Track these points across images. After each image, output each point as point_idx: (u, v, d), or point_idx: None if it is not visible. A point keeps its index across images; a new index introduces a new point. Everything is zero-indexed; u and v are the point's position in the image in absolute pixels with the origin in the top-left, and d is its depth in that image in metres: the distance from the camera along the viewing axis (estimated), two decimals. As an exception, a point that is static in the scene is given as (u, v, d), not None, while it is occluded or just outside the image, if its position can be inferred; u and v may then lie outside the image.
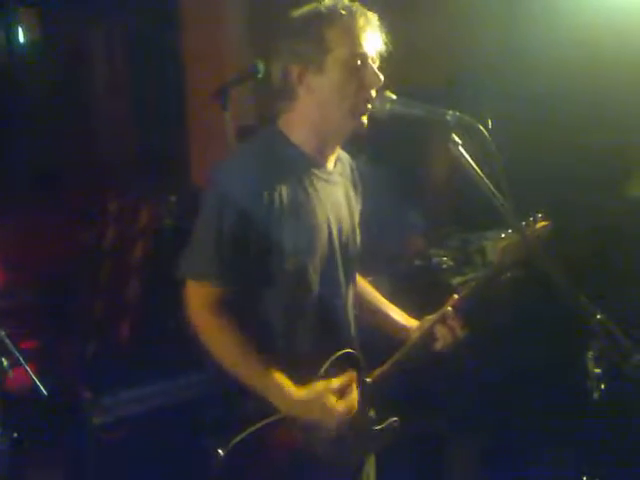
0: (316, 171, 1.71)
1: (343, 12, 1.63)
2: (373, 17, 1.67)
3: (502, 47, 3.21)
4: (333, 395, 1.66)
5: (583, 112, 2.95)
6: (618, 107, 2.93)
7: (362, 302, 1.92)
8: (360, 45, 1.64)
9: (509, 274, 1.83)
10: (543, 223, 1.76)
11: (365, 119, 1.68)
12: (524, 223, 1.70)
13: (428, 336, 1.80)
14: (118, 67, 4.17)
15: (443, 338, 1.78)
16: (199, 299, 1.63)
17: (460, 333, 1.77)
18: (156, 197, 3.31)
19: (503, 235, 1.74)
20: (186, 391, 2.73)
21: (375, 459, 1.88)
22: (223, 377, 1.65)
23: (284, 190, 1.63)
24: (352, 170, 1.86)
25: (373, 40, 1.66)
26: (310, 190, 1.68)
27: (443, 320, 1.78)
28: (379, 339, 1.90)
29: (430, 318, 1.83)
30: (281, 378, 1.63)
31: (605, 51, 2.92)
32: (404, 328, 1.89)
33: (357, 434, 1.71)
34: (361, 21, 1.64)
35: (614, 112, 2.93)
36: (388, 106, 1.65)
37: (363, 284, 1.96)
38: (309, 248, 1.67)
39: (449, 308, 1.78)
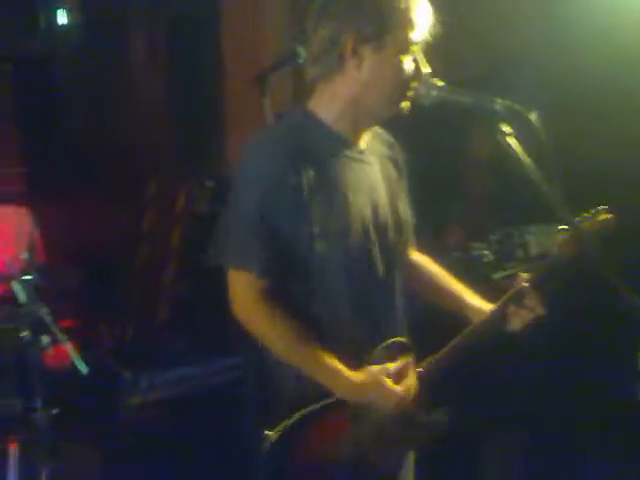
0: (348, 151, 1.67)
1: None
2: (428, 4, 1.65)
3: (545, 36, 3.15)
4: (389, 378, 1.63)
5: (628, 103, 2.88)
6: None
7: (425, 283, 1.87)
8: (417, 32, 1.61)
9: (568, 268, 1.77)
10: (604, 217, 1.71)
11: (405, 105, 1.65)
12: (583, 216, 1.66)
13: (499, 316, 1.74)
14: (158, 51, 4.18)
15: (519, 317, 1.72)
16: (243, 288, 1.61)
17: (539, 310, 1.71)
18: (193, 182, 3.33)
19: (559, 228, 1.69)
20: (222, 374, 2.74)
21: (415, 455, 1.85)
22: (267, 361, 1.65)
23: (314, 172, 1.60)
24: (392, 148, 1.81)
25: (427, 28, 1.63)
26: (340, 171, 1.65)
27: (518, 298, 1.72)
28: (432, 325, 1.86)
29: (504, 297, 1.74)
30: (335, 362, 1.61)
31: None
32: (475, 309, 1.81)
33: (407, 424, 1.69)
34: (421, 8, 1.62)
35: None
36: (435, 93, 1.62)
37: (428, 264, 1.90)
38: (340, 230, 1.63)
39: (525, 284, 1.71)
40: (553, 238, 1.71)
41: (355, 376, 1.61)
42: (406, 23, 1.60)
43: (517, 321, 1.73)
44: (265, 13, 3.78)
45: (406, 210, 1.79)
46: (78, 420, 2.62)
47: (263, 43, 3.68)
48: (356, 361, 1.64)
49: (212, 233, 1.71)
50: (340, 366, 1.61)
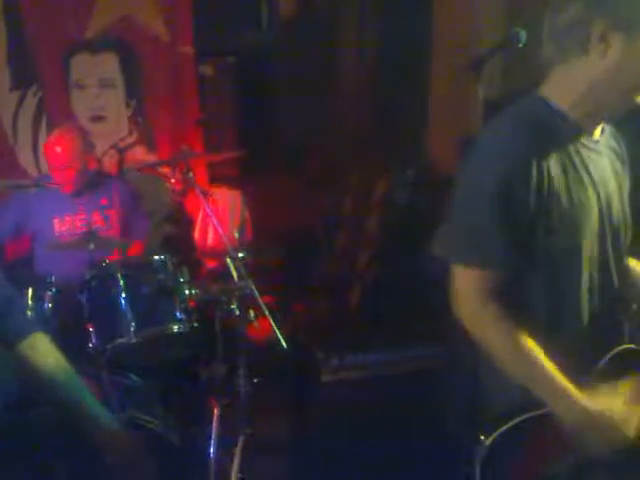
0: (584, 141, 1.57)
1: None
2: None
3: None
4: (625, 415, 1.51)
5: None
6: None
7: (636, 287, 1.72)
8: None
9: None
10: None
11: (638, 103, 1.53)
12: None
13: None
14: (366, 34, 4.20)
15: None
16: (470, 287, 1.54)
17: None
18: (395, 171, 3.34)
19: None
20: (412, 363, 2.72)
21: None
22: (478, 358, 1.59)
23: (551, 162, 1.51)
24: (618, 142, 1.70)
25: None
26: (578, 161, 1.55)
27: None
28: None
29: None
30: (567, 384, 1.50)
31: None
32: None
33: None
34: None
35: None
36: None
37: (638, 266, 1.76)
38: (578, 224, 1.53)
39: None
40: None
41: (587, 405, 1.49)
42: None
43: None
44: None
45: (629, 209, 1.66)
46: (275, 391, 2.75)
47: (474, 31, 3.57)
48: (582, 370, 1.53)
49: (410, 222, 1.68)
50: (572, 389, 1.49)
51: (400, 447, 2.46)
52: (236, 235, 3.05)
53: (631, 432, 1.51)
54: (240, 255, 2.60)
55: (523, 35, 2.22)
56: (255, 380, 2.48)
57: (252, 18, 4.31)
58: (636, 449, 1.53)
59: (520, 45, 2.24)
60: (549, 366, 1.50)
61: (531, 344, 1.50)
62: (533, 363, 1.50)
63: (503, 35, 2.33)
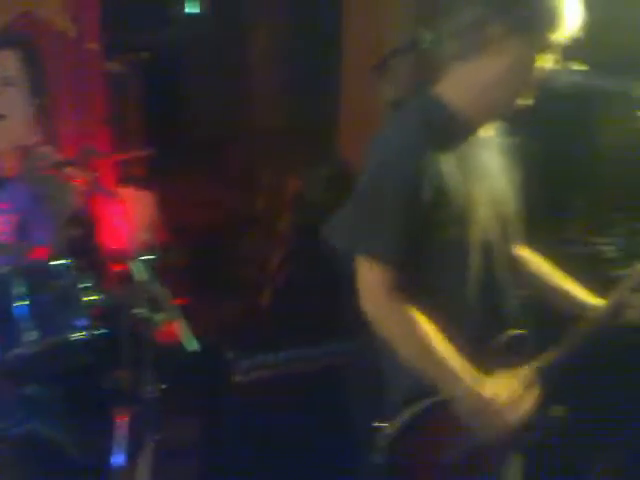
0: (474, 139, 1.64)
1: None
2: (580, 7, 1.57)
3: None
4: (513, 409, 1.58)
5: None
6: None
7: (531, 276, 1.82)
8: (563, 32, 1.55)
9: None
10: None
11: (524, 102, 1.61)
12: None
13: (618, 308, 1.66)
14: (280, 36, 4.22)
15: (637, 308, 1.65)
16: (375, 279, 1.57)
17: None
18: (305, 169, 3.35)
19: None
20: (324, 359, 2.73)
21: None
22: (381, 350, 1.62)
23: (446, 158, 1.57)
24: (508, 140, 1.77)
25: (573, 27, 1.56)
26: (469, 158, 1.62)
27: (636, 287, 1.65)
28: (547, 317, 1.78)
29: (619, 288, 1.68)
30: (463, 370, 1.56)
31: None
32: (583, 303, 1.75)
33: (523, 426, 1.62)
34: (573, 11, 1.55)
35: None
36: (572, 78, 1.55)
37: (533, 257, 1.85)
38: (468, 218, 1.60)
39: None
40: None
41: (481, 391, 1.55)
42: (556, 24, 1.54)
43: (635, 312, 1.65)
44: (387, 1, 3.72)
45: (518, 202, 1.74)
46: (184, 395, 2.70)
47: (385, 27, 3.62)
48: (477, 353, 1.59)
49: (321, 219, 1.69)
50: (468, 377, 1.55)
51: (312, 442, 2.48)
52: (144, 237, 2.97)
53: (519, 418, 1.58)
54: (148, 257, 2.54)
55: (427, 37, 2.28)
56: (163, 386, 2.43)
57: (162, 15, 4.24)
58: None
59: (424, 46, 2.30)
60: (446, 353, 1.55)
61: (430, 332, 1.55)
62: (431, 351, 1.55)
63: (409, 36, 2.39)
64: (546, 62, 1.57)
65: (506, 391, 1.57)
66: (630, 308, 1.67)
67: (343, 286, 1.65)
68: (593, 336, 1.67)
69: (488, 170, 1.66)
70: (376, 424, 1.58)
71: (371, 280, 1.58)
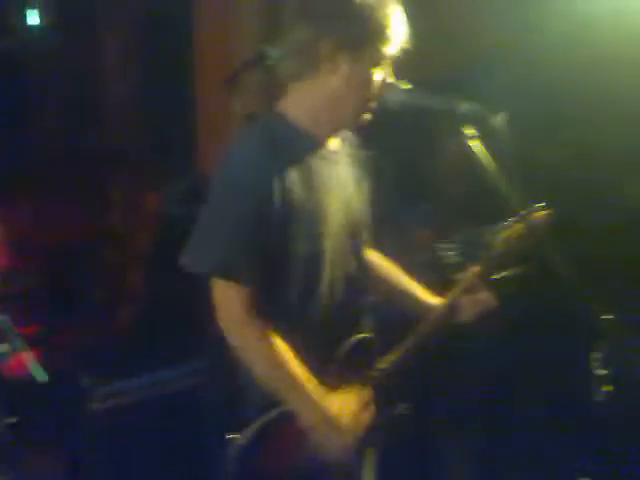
0: (321, 152, 1.67)
1: (390, 7, 1.60)
2: (402, 13, 1.64)
3: (516, 39, 3.16)
4: (356, 426, 1.64)
5: (595, 109, 2.91)
6: (631, 105, 2.88)
7: (379, 280, 1.89)
8: (392, 45, 1.61)
9: (515, 269, 1.81)
10: (543, 212, 1.73)
11: (367, 117, 1.67)
12: (524, 212, 1.67)
13: (452, 310, 1.77)
14: (129, 50, 4.13)
15: (471, 308, 1.76)
16: (229, 298, 1.57)
17: (491, 303, 1.77)
18: (162, 183, 3.29)
19: (505, 224, 1.73)
20: (187, 379, 2.70)
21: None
22: (234, 364, 1.63)
23: (292, 173, 1.60)
24: (357, 151, 1.83)
25: (401, 41, 1.63)
26: (316, 172, 1.65)
27: (469, 291, 1.77)
28: (395, 321, 1.87)
29: (454, 290, 1.80)
30: (310, 386, 1.59)
31: (619, 47, 2.87)
32: (426, 305, 1.85)
33: (369, 428, 1.69)
34: (397, 20, 1.61)
35: (627, 110, 2.88)
36: (400, 97, 1.62)
37: (381, 261, 1.93)
38: (319, 231, 1.64)
39: (474, 274, 1.77)
40: (500, 236, 1.75)
41: (326, 408, 1.60)
42: (384, 37, 1.60)
43: (469, 313, 1.78)
44: (238, 13, 3.75)
45: (368, 211, 1.81)
46: (38, 428, 2.56)
47: (235, 44, 3.64)
48: (327, 358, 1.64)
49: (183, 235, 1.67)
50: (315, 393, 1.59)
51: (175, 465, 2.44)
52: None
53: (357, 435, 1.65)
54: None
55: (271, 52, 2.32)
56: (13, 420, 2.28)
57: (2, 25, 4.02)
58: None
59: (269, 62, 2.33)
60: (296, 370, 1.58)
61: (281, 351, 1.58)
62: (279, 369, 1.58)
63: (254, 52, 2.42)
64: (382, 76, 1.63)
65: (347, 409, 1.63)
66: (462, 309, 1.79)
67: (200, 303, 1.64)
68: (431, 335, 1.78)
69: (339, 182, 1.70)
70: (230, 436, 1.59)
71: (223, 297, 1.58)
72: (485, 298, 1.78)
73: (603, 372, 1.56)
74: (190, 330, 1.81)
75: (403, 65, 1.66)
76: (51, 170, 3.67)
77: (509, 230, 1.76)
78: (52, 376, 2.23)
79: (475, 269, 1.79)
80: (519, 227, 1.72)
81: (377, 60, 1.60)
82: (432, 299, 1.87)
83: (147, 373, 2.62)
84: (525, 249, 1.74)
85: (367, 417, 1.67)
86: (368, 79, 1.61)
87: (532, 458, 2.69)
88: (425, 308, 1.85)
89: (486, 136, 1.56)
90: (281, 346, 1.58)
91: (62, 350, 2.82)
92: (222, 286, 1.57)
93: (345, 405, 1.64)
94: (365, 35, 1.57)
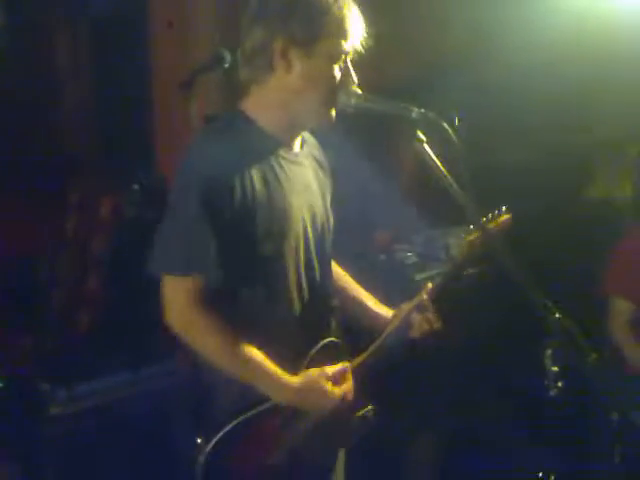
0: (283, 153, 1.68)
1: (340, 2, 1.61)
2: (360, 14, 1.66)
3: (475, 42, 3.22)
4: (328, 381, 1.65)
5: (549, 110, 2.98)
6: (587, 106, 2.96)
7: (338, 290, 1.91)
8: (347, 40, 1.62)
9: (471, 269, 1.86)
10: (505, 217, 1.78)
11: (333, 113, 1.67)
12: (486, 217, 1.72)
13: (405, 324, 1.81)
14: (82, 53, 4.08)
15: (420, 326, 1.79)
16: (179, 296, 1.58)
17: (436, 324, 1.79)
18: (119, 186, 3.25)
19: (466, 230, 1.76)
20: (146, 383, 2.69)
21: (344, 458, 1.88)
22: (199, 367, 1.64)
23: (252, 173, 1.60)
24: (319, 152, 1.84)
25: (359, 38, 1.64)
26: (279, 172, 1.65)
27: (420, 309, 1.79)
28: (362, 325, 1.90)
29: (407, 306, 1.83)
30: (274, 367, 1.60)
31: (580, 45, 2.95)
32: (380, 316, 1.88)
33: (339, 424, 1.71)
34: (352, 15, 1.63)
35: (583, 110, 2.96)
36: (353, 101, 1.65)
37: (338, 271, 1.95)
38: (282, 231, 1.64)
39: (425, 296, 1.79)
40: (460, 241, 1.78)
41: (295, 381, 1.62)
42: (338, 31, 1.61)
43: (417, 330, 1.81)
44: (195, 14, 3.73)
45: (331, 215, 1.83)
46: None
47: (192, 46, 3.63)
48: (295, 362, 1.66)
49: (138, 239, 1.67)
50: (279, 371, 1.61)
51: (138, 470, 2.42)
52: None
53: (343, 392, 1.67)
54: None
55: (227, 56, 2.33)
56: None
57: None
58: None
59: (225, 65, 2.34)
60: (258, 356, 1.60)
61: (239, 343, 1.59)
62: (244, 360, 1.59)
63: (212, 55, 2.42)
64: (344, 72, 1.64)
65: (319, 372, 1.66)
66: (415, 326, 1.82)
67: (158, 305, 1.64)
68: (390, 345, 1.82)
69: (301, 184, 1.71)
70: (198, 440, 1.60)
71: (175, 295, 1.59)
72: (431, 319, 1.80)
73: (555, 369, 1.61)
74: (153, 333, 1.81)
75: (363, 70, 1.69)
76: (3, 175, 3.59)
77: (470, 237, 1.79)
78: (9, 381, 2.20)
79: (429, 287, 1.82)
80: (477, 236, 1.75)
81: (332, 55, 1.61)
82: (386, 312, 1.90)
83: (108, 376, 2.60)
84: (483, 255, 1.78)
85: (346, 382, 1.70)
86: (325, 75, 1.61)
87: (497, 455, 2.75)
88: (377, 319, 1.89)
89: (439, 140, 1.59)
90: (230, 333, 1.59)
91: (19, 355, 2.78)
92: (169, 281, 1.59)
93: (314, 374, 1.66)
94: (315, 31, 1.58)
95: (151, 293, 1.65)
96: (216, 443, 1.59)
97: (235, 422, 1.60)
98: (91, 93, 4.03)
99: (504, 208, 1.79)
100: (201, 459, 1.59)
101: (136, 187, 3.23)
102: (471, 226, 1.75)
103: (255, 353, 1.59)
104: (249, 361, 1.58)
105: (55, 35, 4.02)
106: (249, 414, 1.61)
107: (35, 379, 2.55)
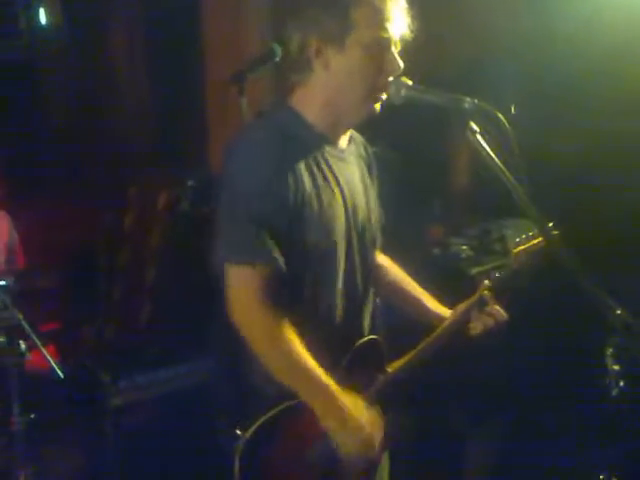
0: (330, 149, 1.67)
1: None
2: (402, 2, 1.63)
3: (527, 30, 3.14)
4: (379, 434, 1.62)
5: (608, 95, 2.88)
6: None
7: (390, 286, 1.89)
8: (385, 29, 1.59)
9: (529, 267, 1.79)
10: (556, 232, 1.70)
11: (378, 106, 1.65)
12: (538, 231, 1.65)
13: (462, 322, 1.76)
14: (138, 52, 4.16)
15: (482, 323, 1.74)
16: (244, 287, 1.56)
17: (502, 317, 1.74)
18: (174, 182, 3.31)
19: (518, 239, 1.71)
20: (204, 374, 2.72)
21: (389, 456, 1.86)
22: (240, 358, 1.63)
23: (302, 168, 1.60)
24: (366, 151, 1.83)
25: (399, 24, 1.61)
26: (325, 169, 1.65)
27: (480, 305, 1.75)
28: (404, 324, 1.87)
29: (464, 304, 1.78)
30: (330, 386, 1.57)
31: (630, 33, 2.85)
32: (435, 314, 1.85)
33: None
34: (390, 3, 1.60)
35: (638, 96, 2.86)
36: (403, 92, 1.62)
37: (392, 267, 1.92)
38: (331, 227, 1.63)
39: (486, 292, 1.75)
40: (513, 248, 1.72)
41: (353, 421, 1.58)
42: (372, 22, 1.58)
43: (479, 326, 1.76)
44: (247, 13, 3.76)
45: (378, 212, 1.81)
46: (58, 424, 2.60)
47: (245, 40, 3.66)
48: (334, 358, 1.63)
49: (193, 232, 1.68)
50: (341, 399, 1.57)
51: (196, 461, 2.46)
52: (2, 261, 2.82)
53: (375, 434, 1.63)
54: (3, 283, 2.41)
55: (278, 50, 2.33)
56: (32, 416, 2.32)
57: (10, 26, 4.06)
58: None
59: (276, 59, 2.35)
60: (312, 366, 1.56)
61: (297, 343, 1.57)
62: (296, 362, 1.57)
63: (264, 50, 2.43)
64: (388, 62, 1.61)
65: (361, 409, 1.61)
66: (475, 323, 1.76)
67: (215, 299, 1.65)
68: (441, 346, 1.77)
69: (348, 180, 1.70)
70: (238, 431, 1.59)
71: (237, 283, 1.57)
72: (496, 312, 1.75)
73: (616, 367, 1.56)
74: (209, 325, 1.83)
75: (410, 61, 1.66)
76: (65, 172, 3.72)
77: (524, 246, 1.73)
78: (71, 372, 2.27)
79: (487, 283, 1.76)
80: (533, 245, 1.70)
81: (369, 46, 1.59)
82: (439, 308, 1.86)
83: (167, 368, 2.64)
84: (538, 265, 1.73)
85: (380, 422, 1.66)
86: (363, 67, 1.60)
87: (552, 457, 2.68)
88: (433, 317, 1.84)
89: (492, 131, 1.55)
90: (296, 339, 1.57)
91: (80, 347, 2.87)
92: (236, 272, 1.56)
93: (358, 405, 1.62)
94: (346, 23, 1.57)
95: (209, 286, 1.65)
96: (254, 433, 1.58)
97: (273, 412, 1.59)
98: (147, 92, 4.11)
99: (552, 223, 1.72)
100: (238, 449, 1.58)
101: (191, 183, 3.29)
102: (524, 235, 1.70)
103: (309, 361, 1.56)
104: (300, 368, 1.56)
105: (111, 35, 4.11)
106: (288, 404, 1.60)
107: (97, 370, 2.62)
